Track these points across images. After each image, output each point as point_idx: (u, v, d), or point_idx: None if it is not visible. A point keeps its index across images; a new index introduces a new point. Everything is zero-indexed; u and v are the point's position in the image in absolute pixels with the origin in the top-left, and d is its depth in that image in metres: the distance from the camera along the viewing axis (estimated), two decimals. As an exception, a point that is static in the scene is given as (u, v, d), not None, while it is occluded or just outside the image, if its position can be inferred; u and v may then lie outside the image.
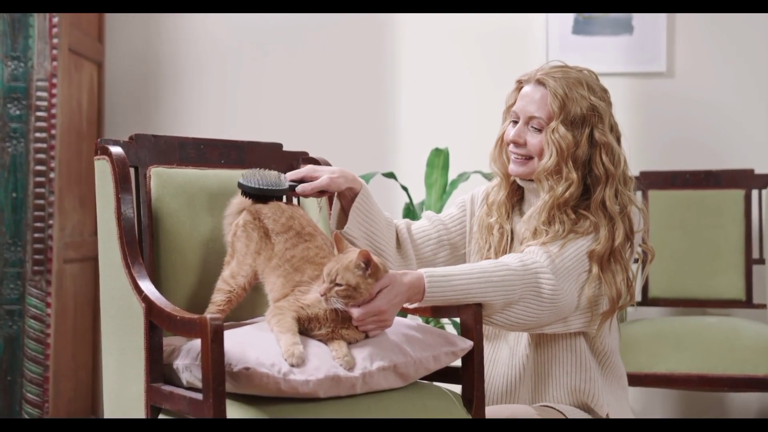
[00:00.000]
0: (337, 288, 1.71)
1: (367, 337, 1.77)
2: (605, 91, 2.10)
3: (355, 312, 1.73)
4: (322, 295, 1.71)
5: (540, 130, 2.05)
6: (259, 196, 1.90)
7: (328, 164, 2.13)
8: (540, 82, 2.05)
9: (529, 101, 2.06)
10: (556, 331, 1.97)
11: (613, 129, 2.08)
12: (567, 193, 2.01)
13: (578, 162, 2.03)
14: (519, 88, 2.11)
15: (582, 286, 1.96)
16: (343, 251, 1.78)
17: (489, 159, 2.16)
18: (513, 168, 2.09)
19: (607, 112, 2.06)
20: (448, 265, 2.13)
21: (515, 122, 2.09)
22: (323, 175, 1.96)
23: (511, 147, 2.08)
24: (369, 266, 1.72)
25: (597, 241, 1.99)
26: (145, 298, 1.74)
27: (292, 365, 1.64)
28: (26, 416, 3.05)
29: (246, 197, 1.91)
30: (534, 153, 2.06)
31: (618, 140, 2.08)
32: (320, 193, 1.98)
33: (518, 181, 2.12)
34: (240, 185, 1.91)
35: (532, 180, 2.09)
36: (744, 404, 3.58)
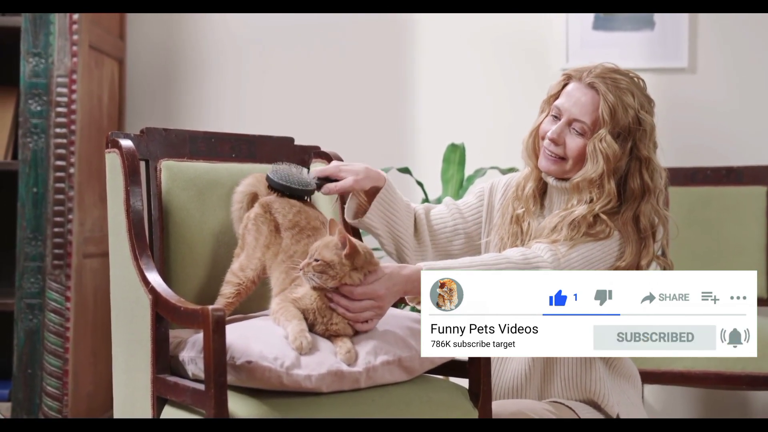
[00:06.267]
0: (314, 263, 1.72)
1: (356, 333, 1.76)
2: (651, 101, 2.05)
3: (354, 291, 1.73)
4: (300, 269, 1.73)
5: (581, 135, 2.01)
6: (286, 193, 1.90)
7: (339, 158, 2.12)
8: (591, 86, 2.01)
9: (575, 103, 2.01)
10: None
11: (655, 143, 2.04)
12: (604, 209, 1.98)
13: (617, 174, 2.01)
14: (565, 82, 2.06)
15: None
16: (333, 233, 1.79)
17: (522, 147, 2.11)
18: (543, 163, 2.06)
19: (652, 127, 2.02)
20: (465, 255, 2.13)
21: (555, 117, 2.05)
22: (348, 176, 1.98)
23: (547, 143, 2.04)
24: (346, 247, 1.73)
25: (622, 258, 1.97)
26: (151, 290, 1.75)
27: (300, 352, 1.64)
28: (46, 408, 3.09)
29: (271, 191, 1.92)
30: (570, 156, 2.03)
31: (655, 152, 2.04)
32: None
33: (546, 177, 2.09)
34: (268, 179, 1.91)
35: (562, 179, 2.06)
36: None
